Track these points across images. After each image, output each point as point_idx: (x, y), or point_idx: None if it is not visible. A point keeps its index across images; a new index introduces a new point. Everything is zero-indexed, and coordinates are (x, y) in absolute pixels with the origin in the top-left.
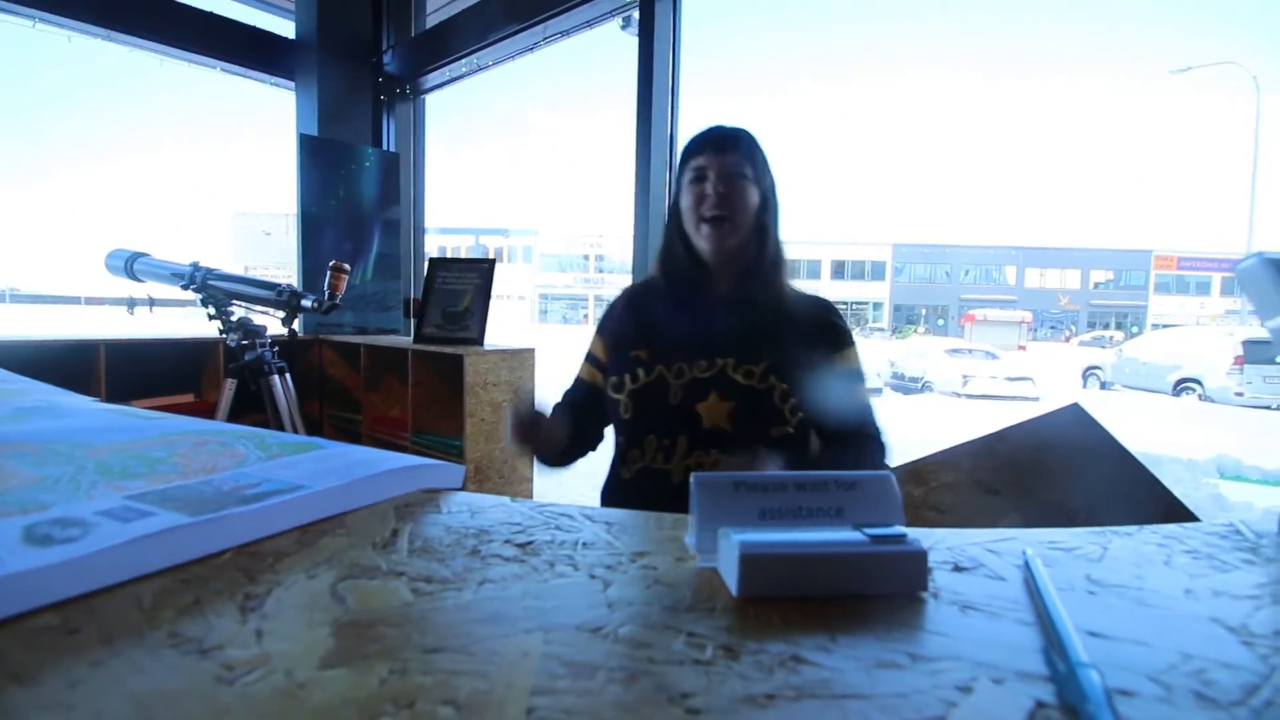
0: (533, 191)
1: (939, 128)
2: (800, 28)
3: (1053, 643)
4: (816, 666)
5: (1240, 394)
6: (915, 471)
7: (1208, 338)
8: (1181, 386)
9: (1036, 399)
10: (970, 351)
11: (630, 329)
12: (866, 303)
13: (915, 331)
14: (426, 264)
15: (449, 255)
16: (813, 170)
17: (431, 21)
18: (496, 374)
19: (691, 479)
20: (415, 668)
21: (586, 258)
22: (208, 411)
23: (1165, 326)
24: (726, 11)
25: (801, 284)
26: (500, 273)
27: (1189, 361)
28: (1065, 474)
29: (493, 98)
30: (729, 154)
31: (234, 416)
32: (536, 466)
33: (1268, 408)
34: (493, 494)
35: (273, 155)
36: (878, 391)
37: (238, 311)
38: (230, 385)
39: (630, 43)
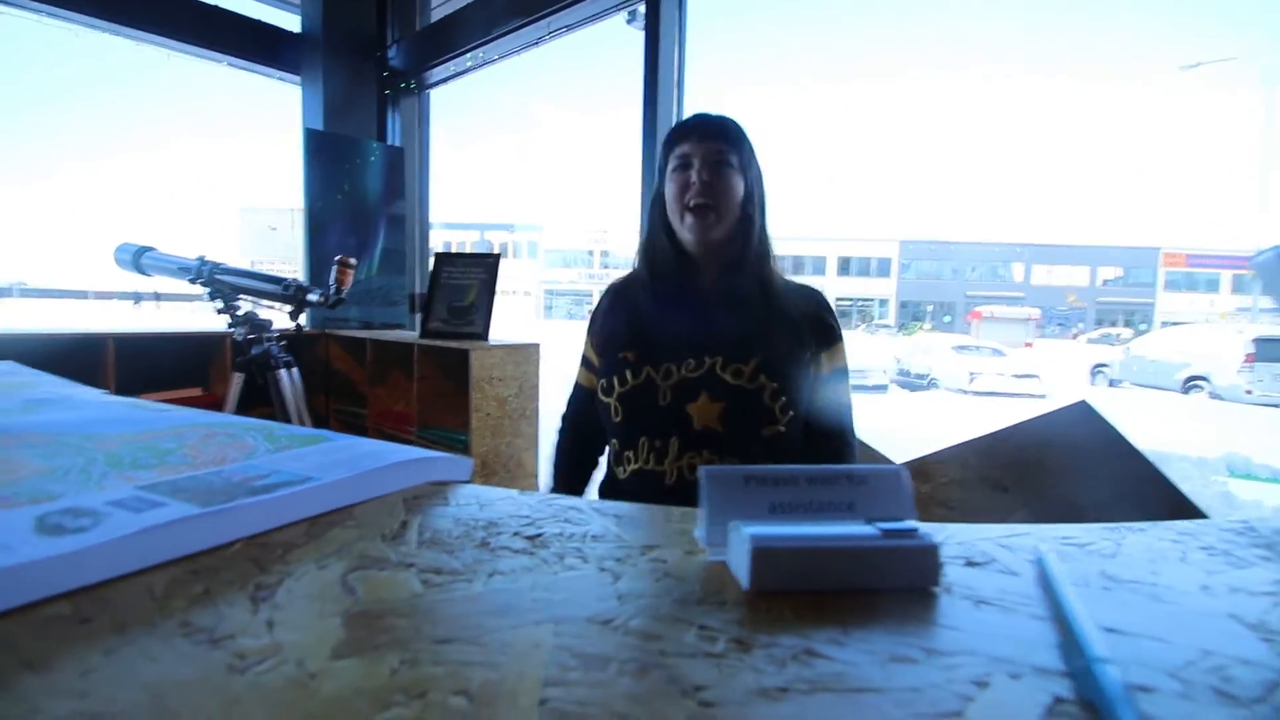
0: (538, 187)
1: (946, 124)
2: (808, 23)
3: (1069, 638)
4: (830, 660)
5: (1250, 392)
6: (922, 468)
7: (1217, 335)
8: (1190, 384)
9: (1043, 396)
10: (977, 348)
11: (616, 329)
12: (872, 299)
13: (921, 328)
14: (432, 259)
15: (454, 250)
16: (819, 166)
17: (436, 16)
18: (502, 369)
19: (701, 472)
20: (426, 658)
21: (591, 253)
22: (215, 405)
23: (1174, 324)
24: (733, 6)
25: (807, 279)
26: (505, 268)
27: (1198, 359)
28: (1073, 471)
29: (497, 93)
30: (714, 142)
31: (241, 410)
32: (541, 463)
33: (1278, 406)
34: (499, 488)
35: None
36: (883, 389)
37: (244, 306)
38: (238, 379)
39: (636, 37)
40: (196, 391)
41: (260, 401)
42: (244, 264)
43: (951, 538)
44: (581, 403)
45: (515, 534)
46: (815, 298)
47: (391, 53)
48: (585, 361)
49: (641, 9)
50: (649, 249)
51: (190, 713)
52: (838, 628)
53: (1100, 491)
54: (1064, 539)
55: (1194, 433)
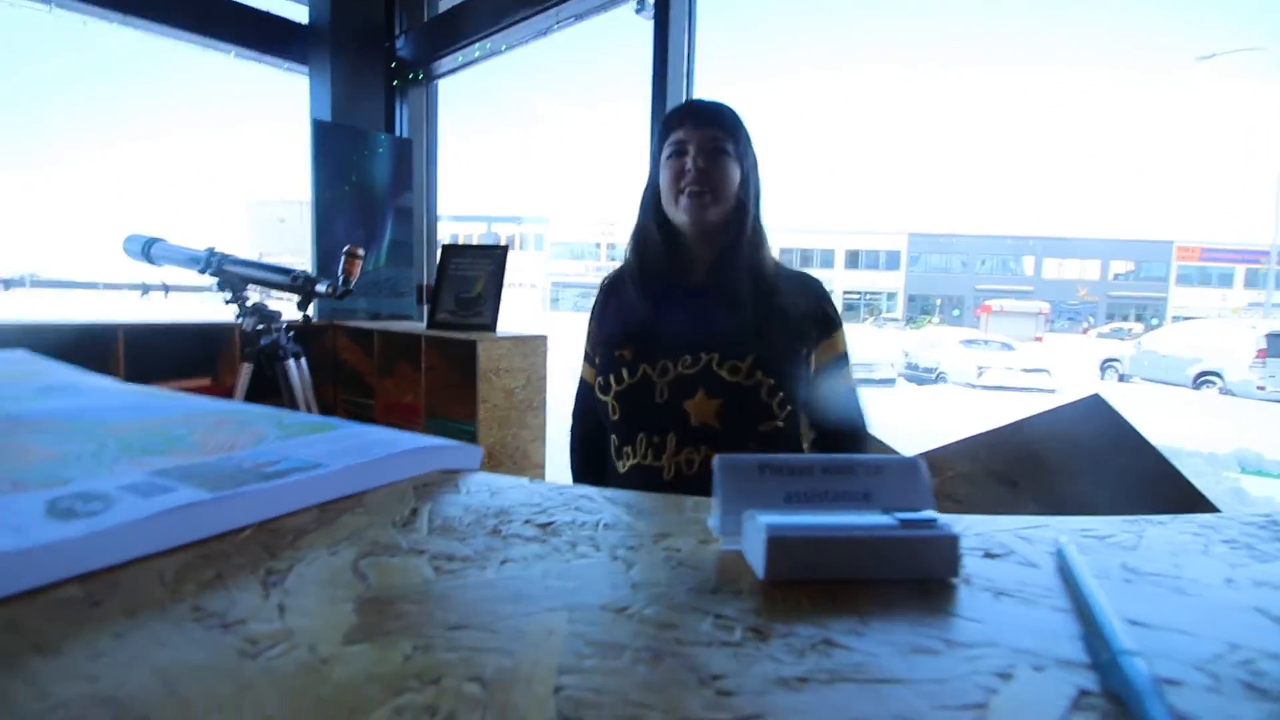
0: (545, 179)
1: (957, 116)
2: (818, 13)
3: (1093, 630)
4: (849, 650)
5: (1263, 388)
6: (930, 461)
7: (1230, 330)
8: (1202, 379)
9: (1053, 391)
10: (986, 342)
11: (612, 326)
12: (880, 293)
13: (930, 322)
14: (440, 250)
15: (461, 242)
16: (829, 158)
17: (444, 5)
18: (509, 360)
19: (715, 460)
20: (439, 644)
21: (599, 245)
22: (225, 395)
23: (1186, 319)
24: None
25: (813, 271)
26: (512, 260)
27: (1210, 354)
28: (1085, 466)
29: (505, 85)
30: (710, 128)
31: (250, 400)
32: (548, 454)
33: None
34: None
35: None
36: (890, 382)
37: (253, 297)
38: (246, 369)
39: (645, 27)
40: (206, 381)
41: (269, 392)
42: (252, 256)
43: (968, 529)
44: (588, 399)
45: (526, 522)
46: (812, 287)
47: (399, 43)
48: (588, 356)
49: None
50: (640, 237)
51: (202, 697)
52: (855, 618)
53: (1112, 486)
54: (1083, 531)
55: (1205, 428)
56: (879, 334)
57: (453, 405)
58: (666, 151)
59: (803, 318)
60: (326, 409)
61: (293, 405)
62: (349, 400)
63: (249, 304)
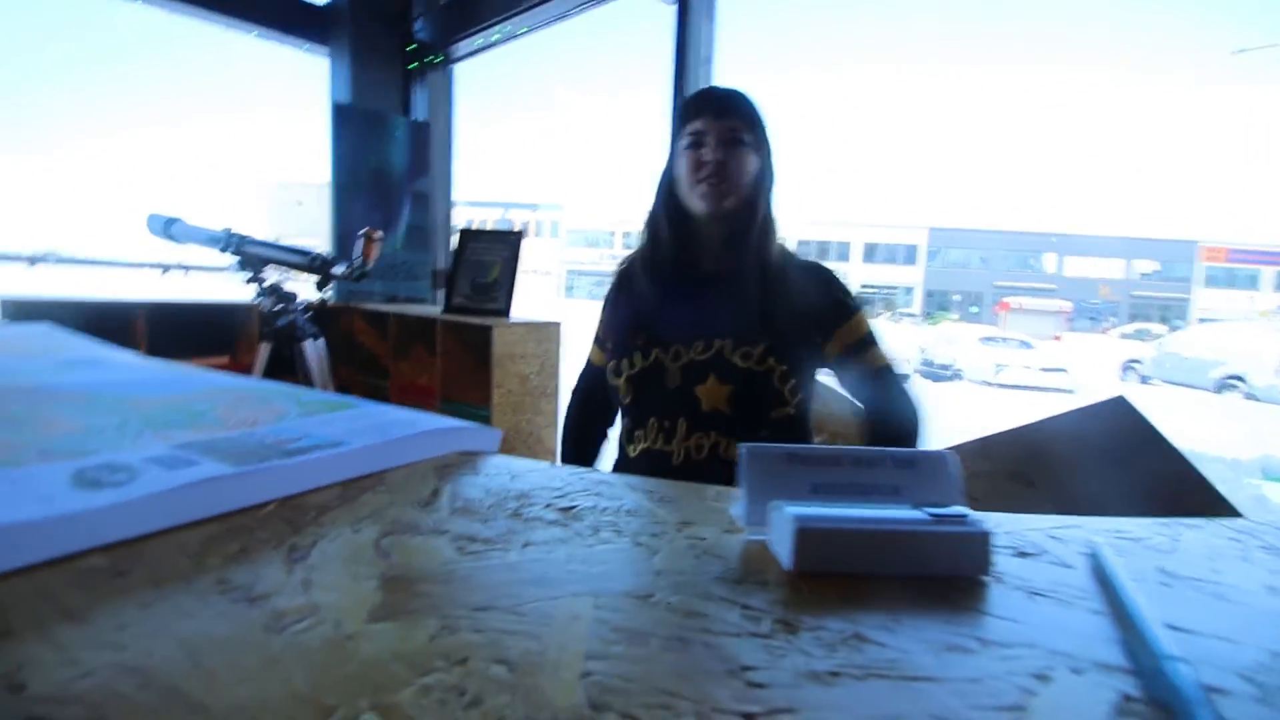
0: (561, 166)
1: (981, 110)
2: (846, 5)
3: (1133, 634)
4: (881, 646)
5: None
6: None
7: (1255, 333)
8: (1225, 383)
9: (1071, 391)
10: (1004, 340)
11: (625, 311)
12: (897, 287)
13: (948, 318)
14: (457, 235)
15: (477, 228)
16: (850, 149)
17: None
18: (524, 346)
19: (741, 449)
20: (465, 625)
21: (613, 233)
22: (243, 373)
23: (1210, 320)
24: None
25: (829, 264)
26: (527, 247)
27: (1234, 358)
28: (1106, 468)
29: (523, 71)
30: (728, 119)
31: (267, 379)
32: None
33: None
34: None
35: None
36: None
37: (271, 277)
38: (265, 349)
39: (666, 17)
40: (224, 360)
41: (285, 371)
42: (270, 238)
43: (999, 526)
44: (590, 379)
45: (547, 505)
46: (823, 276)
47: (418, 25)
48: (597, 339)
49: None
50: (654, 223)
51: (229, 669)
52: (886, 613)
53: (1133, 490)
54: (1116, 533)
55: (1227, 433)
56: (895, 329)
57: (467, 390)
58: (684, 141)
59: (814, 307)
60: (342, 390)
61: (309, 385)
62: (364, 382)
63: (267, 284)
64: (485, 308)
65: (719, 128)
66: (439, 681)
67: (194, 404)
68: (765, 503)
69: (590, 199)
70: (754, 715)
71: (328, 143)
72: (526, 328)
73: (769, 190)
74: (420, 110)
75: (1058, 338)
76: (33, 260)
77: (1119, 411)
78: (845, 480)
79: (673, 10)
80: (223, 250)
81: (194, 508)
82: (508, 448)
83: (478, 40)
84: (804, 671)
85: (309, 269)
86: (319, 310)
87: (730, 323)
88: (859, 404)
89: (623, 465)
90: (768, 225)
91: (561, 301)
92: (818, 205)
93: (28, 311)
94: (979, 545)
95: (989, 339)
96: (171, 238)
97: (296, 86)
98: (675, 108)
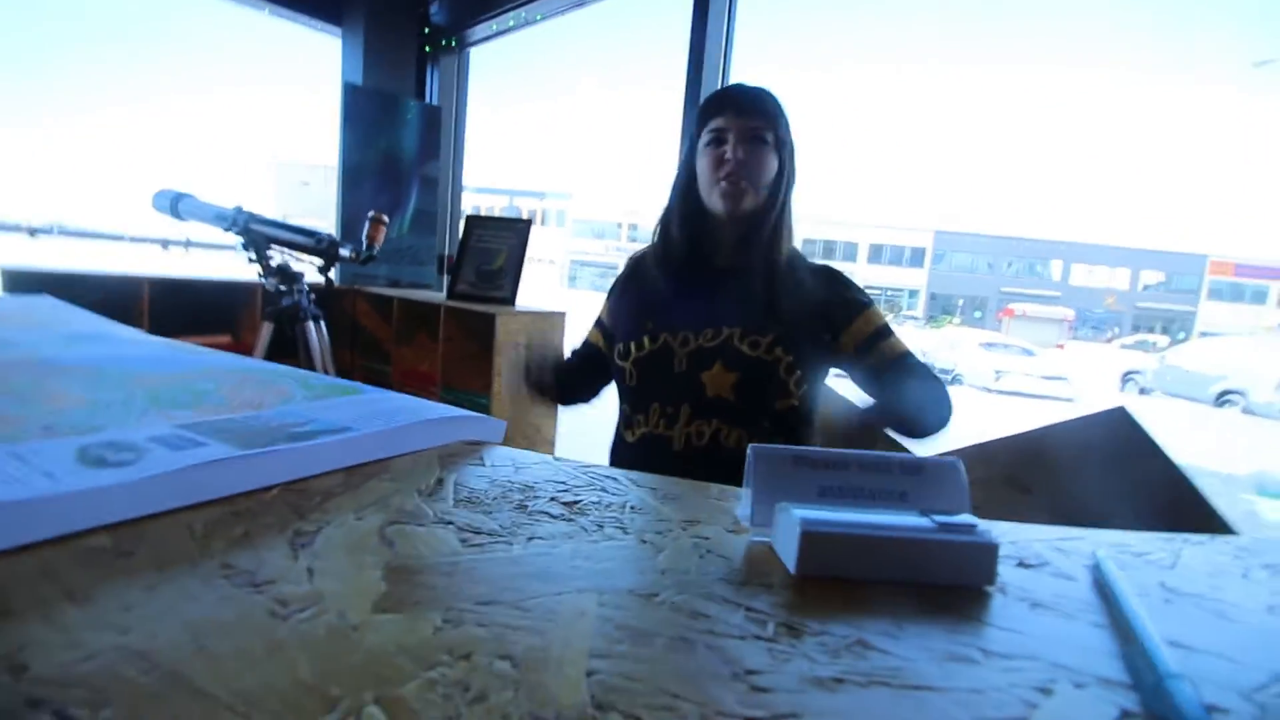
0: (571, 156)
1: (993, 114)
2: (862, 7)
3: (1135, 650)
4: (885, 654)
5: None
6: None
7: (1257, 349)
8: (1224, 398)
9: (1071, 400)
10: (1006, 346)
11: (635, 297)
12: (902, 289)
13: (950, 322)
14: (464, 221)
15: (483, 214)
16: (858, 149)
17: None
18: (527, 334)
19: (750, 450)
20: (469, 619)
21: (620, 225)
22: (244, 353)
23: (1213, 335)
24: None
25: (836, 264)
26: (533, 236)
27: (1235, 372)
28: (1103, 477)
29: (537, 59)
30: (751, 117)
31: (269, 360)
32: (560, 432)
33: None
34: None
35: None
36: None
37: (277, 257)
38: (267, 329)
39: (682, 10)
40: (225, 339)
41: (287, 353)
42: (276, 217)
43: (1002, 536)
44: (584, 353)
45: (552, 499)
46: (831, 275)
47: (433, 8)
48: (598, 322)
49: None
50: (669, 219)
51: (234, 655)
52: (890, 620)
53: (1128, 500)
54: (1120, 546)
55: (1224, 448)
56: (897, 332)
57: (468, 377)
58: (705, 138)
59: (824, 305)
60: (343, 373)
61: (310, 367)
62: (366, 366)
63: (272, 264)
64: (490, 295)
65: (740, 126)
66: (443, 675)
67: (198, 383)
68: (771, 504)
69: (598, 189)
70: None
71: (337, 123)
72: (531, 316)
73: (788, 191)
74: (432, 94)
75: (1060, 346)
76: (33, 231)
77: (1118, 422)
78: (852, 484)
79: (689, 3)
80: (228, 229)
81: (199, 489)
82: (506, 438)
83: (493, 25)
84: (808, 677)
85: (315, 251)
86: (323, 292)
87: (741, 312)
88: (876, 397)
89: (621, 450)
90: (781, 225)
91: (565, 291)
92: (826, 205)
93: (28, 284)
94: (985, 556)
95: (991, 345)
96: (179, 214)
97: (307, 65)
98: (689, 104)
